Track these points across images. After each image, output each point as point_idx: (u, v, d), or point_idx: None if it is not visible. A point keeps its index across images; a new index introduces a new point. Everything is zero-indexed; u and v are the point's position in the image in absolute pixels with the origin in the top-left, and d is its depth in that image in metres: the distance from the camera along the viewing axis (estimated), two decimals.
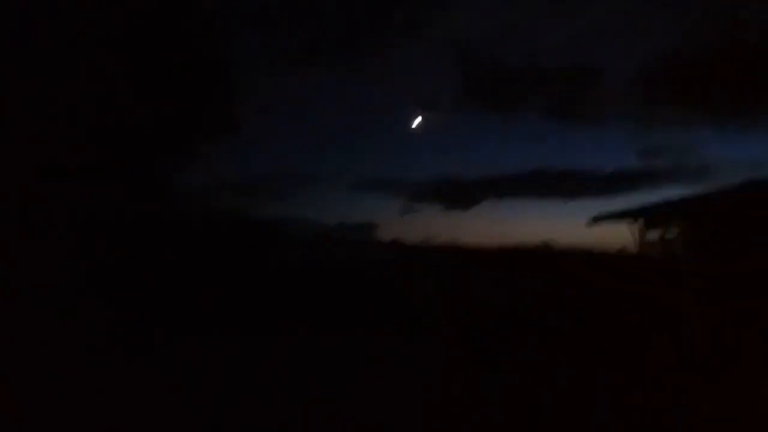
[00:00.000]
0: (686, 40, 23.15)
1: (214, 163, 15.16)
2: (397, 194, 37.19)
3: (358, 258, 19.35)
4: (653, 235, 9.60)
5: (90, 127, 10.48)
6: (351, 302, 12.43)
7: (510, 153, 33.66)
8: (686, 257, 8.92)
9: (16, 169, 9.28)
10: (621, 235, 10.39)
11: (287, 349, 9.54)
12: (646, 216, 9.43)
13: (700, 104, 21.77)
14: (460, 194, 29.42)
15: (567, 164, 28.73)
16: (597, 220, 9.76)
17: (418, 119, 16.86)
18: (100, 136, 10.75)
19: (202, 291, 12.05)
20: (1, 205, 9.12)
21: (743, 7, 18.87)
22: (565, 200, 29.27)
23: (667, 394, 6.42)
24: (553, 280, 12.77)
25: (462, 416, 5.99)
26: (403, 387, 6.96)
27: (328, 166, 33.29)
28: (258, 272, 14.37)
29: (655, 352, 8.15)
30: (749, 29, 19.47)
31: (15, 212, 9.18)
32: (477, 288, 13.81)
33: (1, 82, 9.30)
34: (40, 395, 6.18)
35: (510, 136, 30.88)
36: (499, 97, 26.29)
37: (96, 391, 6.51)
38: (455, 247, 21.57)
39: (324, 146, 31.99)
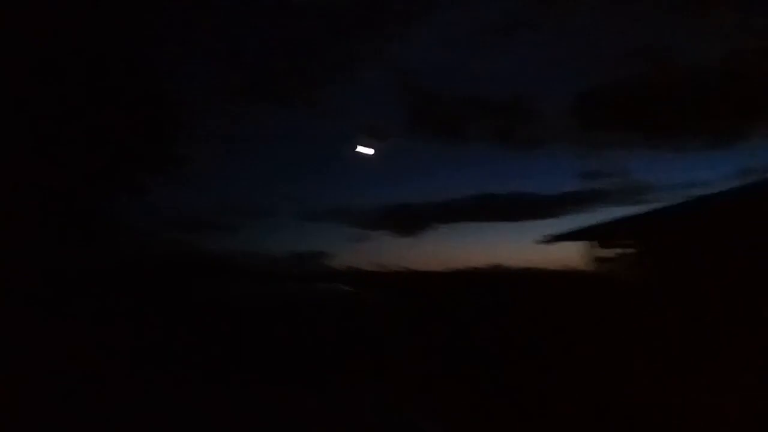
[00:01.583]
0: (619, 71, 24.57)
1: (157, 198, 14.76)
2: (348, 222, 37.26)
3: (306, 291, 19.11)
4: (602, 253, 9.99)
5: (29, 164, 10.05)
6: (294, 342, 11.91)
7: (458, 179, 34.42)
8: (633, 273, 9.32)
9: None
10: (569, 255, 10.79)
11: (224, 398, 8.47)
12: (595, 235, 9.83)
13: (634, 130, 23.04)
14: (410, 220, 29.76)
15: (512, 188, 29.65)
16: (551, 240, 10.11)
17: (366, 148, 17.03)
18: (39, 173, 10.30)
19: (140, 332, 11.49)
20: None
21: (671, 38, 20.23)
22: (511, 223, 30.13)
23: (618, 413, 6.58)
24: (505, 300, 13.02)
25: None
26: None
27: (277, 198, 33.07)
28: (199, 310, 13.91)
29: (609, 368, 8.38)
30: (677, 59, 20.86)
31: None
32: (432, 314, 13.89)
33: None
34: None
35: (457, 163, 31.63)
36: (445, 125, 27.00)
37: None
38: (408, 272, 21.75)
39: (272, 178, 31.80)
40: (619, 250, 9.83)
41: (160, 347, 11.01)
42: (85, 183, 12.03)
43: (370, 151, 17.31)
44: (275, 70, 23.46)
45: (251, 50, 23.11)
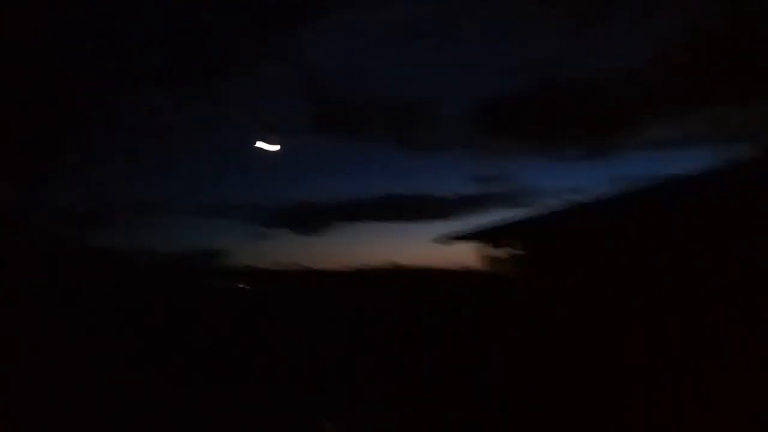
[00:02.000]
0: (512, 80, 26.08)
1: (50, 193, 13.65)
2: (248, 220, 36.34)
3: (203, 289, 18.47)
4: (494, 252, 10.62)
5: None
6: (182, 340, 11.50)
7: (359, 179, 34.82)
8: (521, 272, 10.04)
9: None
10: (464, 254, 11.37)
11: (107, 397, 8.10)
12: (488, 236, 10.44)
13: (523, 138, 24.61)
14: (311, 219, 29.66)
15: (412, 190, 30.53)
16: (447, 240, 10.60)
17: (268, 145, 16.80)
18: None
19: (20, 328, 10.63)
20: None
21: (560, 52, 21.76)
22: (410, 223, 31.00)
23: (510, 412, 7.06)
24: (404, 298, 13.46)
25: None
26: None
27: (176, 194, 31.56)
28: (89, 307, 13.08)
29: (502, 360, 8.97)
30: (563, 72, 22.47)
31: None
32: (333, 313, 14.01)
33: None
34: None
35: (359, 163, 31.99)
36: (348, 125, 27.23)
37: None
38: (308, 271, 21.71)
39: (170, 173, 30.29)
40: (509, 250, 10.50)
41: (47, 343, 10.25)
42: None
43: (272, 148, 17.08)
44: (175, 62, 22.46)
45: (151, 41, 21.89)
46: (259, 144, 17.12)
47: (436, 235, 10.86)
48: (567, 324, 8.51)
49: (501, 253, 10.61)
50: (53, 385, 8.35)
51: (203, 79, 24.48)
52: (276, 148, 17.18)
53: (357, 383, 8.74)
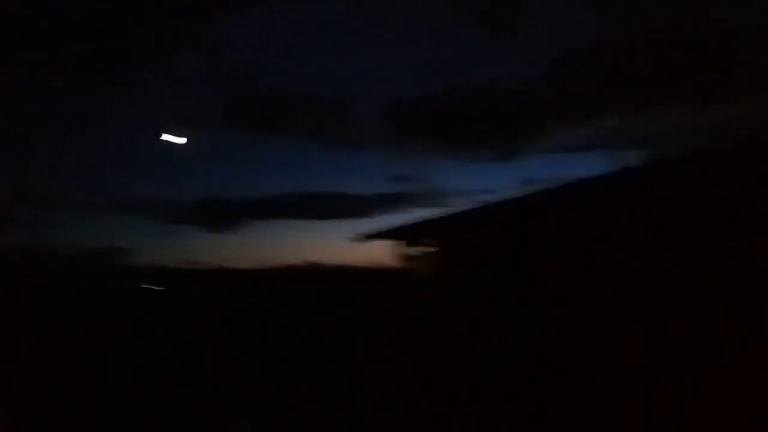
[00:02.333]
0: (430, 82, 26.69)
1: None
2: (154, 216, 34.68)
3: (104, 289, 17.42)
4: (408, 251, 10.86)
5: None
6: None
7: (273, 175, 34.25)
8: (434, 270, 10.34)
9: None
10: (379, 252, 11.53)
11: None
12: (402, 235, 10.66)
13: (438, 139, 25.31)
14: (222, 215, 28.78)
15: (327, 187, 30.45)
16: (362, 238, 10.71)
17: (177, 137, 16.11)
18: None
19: None
20: None
21: (477, 57, 22.52)
22: (325, 221, 30.93)
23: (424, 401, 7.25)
24: (319, 296, 13.42)
25: None
26: None
27: (76, 188, 29.52)
28: None
29: (417, 353, 9.18)
30: (479, 77, 23.29)
31: None
32: (245, 313, 13.71)
33: None
34: None
35: (273, 159, 31.44)
36: (263, 119, 26.70)
37: None
38: (219, 270, 21.05)
39: (71, 165, 28.29)
40: (422, 249, 10.78)
41: None
42: None
43: (182, 141, 16.40)
44: (80, 48, 20.99)
45: (55, 23, 20.30)
46: (168, 136, 16.38)
47: (351, 233, 10.96)
48: (477, 319, 8.87)
49: (415, 251, 10.87)
50: None
51: (108, 66, 23.10)
52: (186, 141, 16.52)
53: (268, 382, 8.63)
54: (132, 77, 24.75)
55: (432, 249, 10.53)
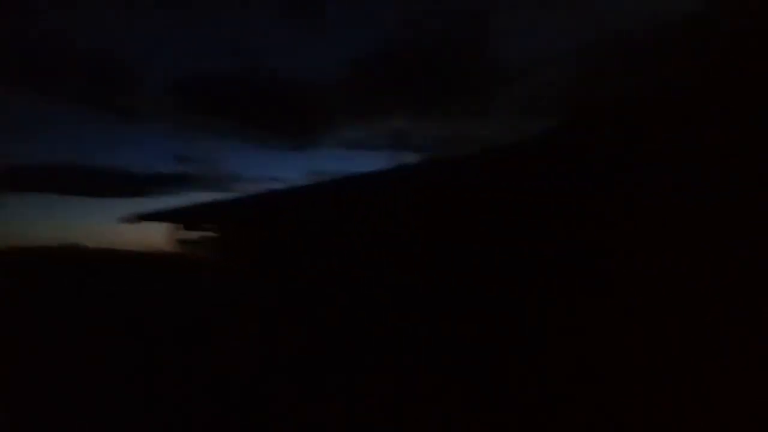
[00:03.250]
0: (222, 63, 25.57)
1: None
2: None
3: None
4: (186, 235, 10.29)
5: None
6: None
7: (34, 141, 29.64)
8: (215, 256, 9.96)
9: None
10: (154, 235, 10.73)
11: None
12: (181, 217, 10.05)
13: (230, 122, 24.46)
14: None
15: (101, 160, 27.40)
16: (135, 219, 9.80)
17: None
18: None
19: None
20: None
21: (268, 46, 22.21)
22: (93, 198, 27.71)
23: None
24: (83, 280, 12.00)
25: None
26: None
27: None
28: None
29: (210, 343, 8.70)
30: (277, 64, 23.03)
31: None
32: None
33: None
34: None
35: (37, 123, 27.22)
36: (27, 77, 22.88)
37: None
38: None
39: None
40: (202, 234, 10.33)
41: None
42: None
43: None
44: None
45: None
46: None
47: (124, 213, 10.01)
48: (254, 306, 8.81)
49: (194, 236, 10.37)
50: None
51: None
52: None
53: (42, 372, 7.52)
54: None
55: (210, 234, 10.16)
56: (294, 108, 22.87)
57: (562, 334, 5.85)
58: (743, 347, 4.88)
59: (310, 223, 8.44)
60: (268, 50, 23.26)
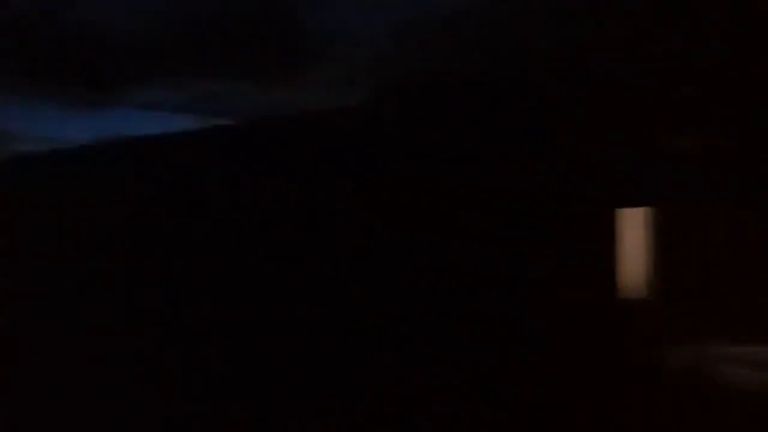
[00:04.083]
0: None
1: None
2: None
3: None
4: None
5: None
6: None
7: None
8: None
9: None
10: None
11: None
12: None
13: (7, 76, 20.99)
14: None
15: None
16: None
17: None
18: None
19: None
20: None
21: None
22: None
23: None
24: None
25: None
26: None
27: None
28: None
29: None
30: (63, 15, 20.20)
31: None
32: None
33: None
34: None
35: None
36: None
37: None
38: None
39: None
40: None
41: None
42: None
43: None
44: None
45: None
46: None
47: None
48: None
49: None
50: None
51: None
52: None
53: None
54: None
55: None
56: (87, 62, 20.28)
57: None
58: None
59: (96, 186, 7.71)
60: None
